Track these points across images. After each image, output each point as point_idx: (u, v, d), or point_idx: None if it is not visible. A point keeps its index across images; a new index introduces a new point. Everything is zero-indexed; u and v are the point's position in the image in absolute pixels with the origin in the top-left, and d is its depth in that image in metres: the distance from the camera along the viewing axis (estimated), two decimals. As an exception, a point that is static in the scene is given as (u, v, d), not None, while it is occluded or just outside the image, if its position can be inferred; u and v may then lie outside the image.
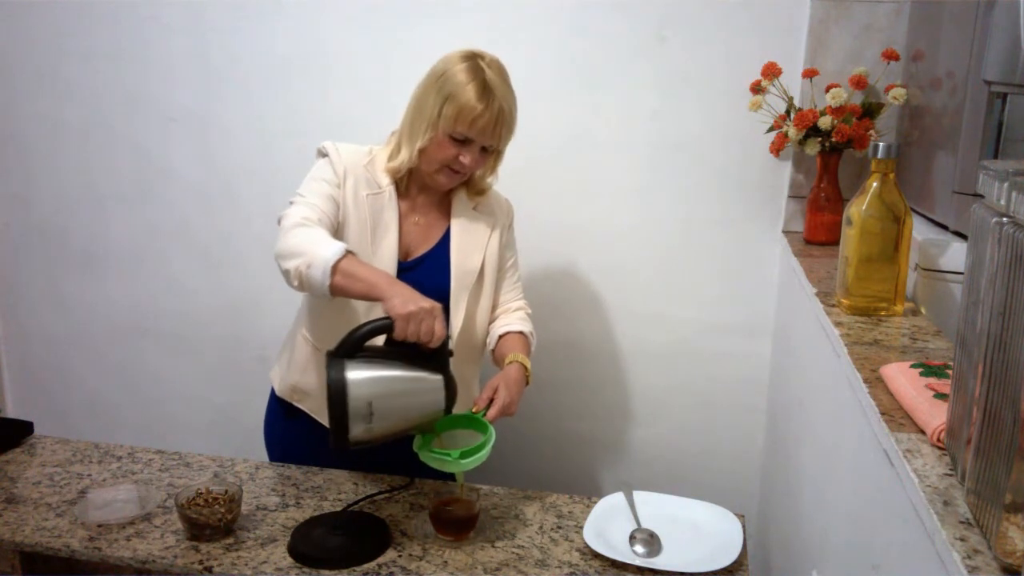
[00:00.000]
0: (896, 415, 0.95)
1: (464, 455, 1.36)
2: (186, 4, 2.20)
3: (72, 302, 2.51)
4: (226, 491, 1.44)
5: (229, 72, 2.22)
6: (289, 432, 1.71)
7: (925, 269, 1.37)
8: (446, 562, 1.34)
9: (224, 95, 2.24)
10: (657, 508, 1.50)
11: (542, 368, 2.23)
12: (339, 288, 1.37)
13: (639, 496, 1.52)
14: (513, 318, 1.68)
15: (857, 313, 1.34)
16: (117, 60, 2.28)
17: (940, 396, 0.93)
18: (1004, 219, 0.68)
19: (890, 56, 1.79)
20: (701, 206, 2.06)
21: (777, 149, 1.90)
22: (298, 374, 1.66)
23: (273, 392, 1.73)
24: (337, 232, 1.52)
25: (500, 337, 1.64)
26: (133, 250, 2.42)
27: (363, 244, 1.53)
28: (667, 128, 2.03)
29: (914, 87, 1.70)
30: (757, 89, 1.85)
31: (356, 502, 1.51)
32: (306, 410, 1.66)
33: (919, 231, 1.40)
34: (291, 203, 1.51)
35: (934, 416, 0.88)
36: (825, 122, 1.78)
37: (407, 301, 1.31)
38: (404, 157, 1.54)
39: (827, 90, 1.81)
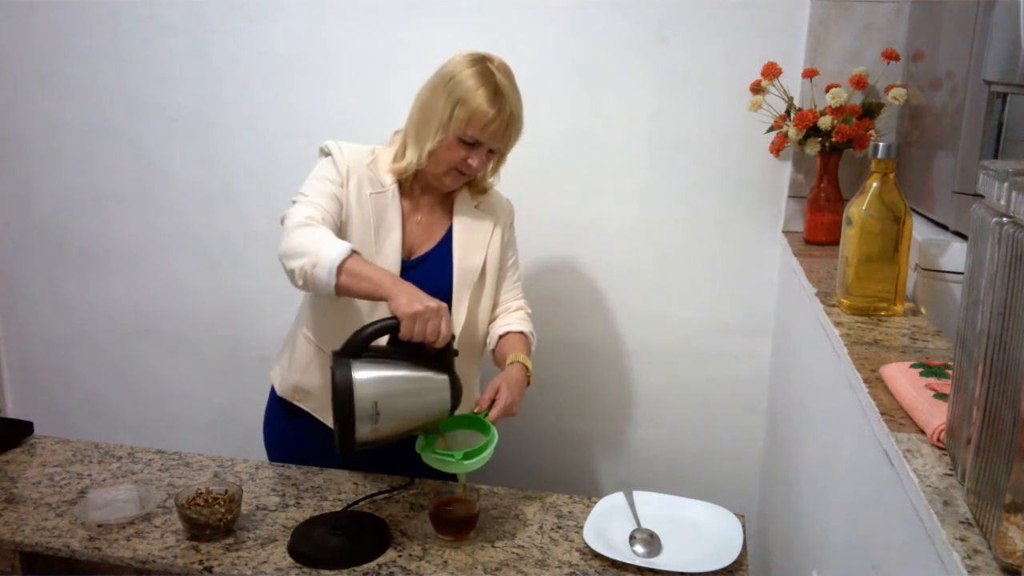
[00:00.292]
0: (896, 415, 0.95)
1: (467, 456, 1.36)
2: (186, 4, 2.20)
3: (72, 302, 2.51)
4: (226, 491, 1.44)
5: (229, 72, 2.22)
6: (289, 432, 1.71)
7: (925, 269, 1.37)
8: (446, 562, 1.34)
9: (224, 95, 2.24)
10: (657, 508, 1.50)
11: (542, 368, 2.23)
12: (344, 288, 1.36)
13: (639, 496, 1.52)
14: (513, 318, 1.68)
15: (857, 313, 1.34)
16: (117, 60, 2.28)
17: (940, 396, 0.93)
18: (1004, 219, 0.68)
19: (890, 56, 1.79)
20: (701, 206, 2.06)
21: (777, 149, 1.90)
22: (299, 374, 1.65)
23: (273, 392, 1.73)
24: (340, 230, 1.52)
25: (500, 337, 1.64)
26: (133, 250, 2.42)
27: (366, 243, 1.54)
28: (667, 128, 2.03)
29: (914, 87, 1.70)
30: (757, 89, 1.85)
31: (356, 502, 1.51)
32: (308, 410, 1.66)
33: (919, 231, 1.40)
34: (294, 202, 1.50)
35: (934, 416, 0.88)
36: (825, 122, 1.78)
37: (413, 300, 1.31)
38: (412, 159, 1.54)
39: (827, 90, 1.81)
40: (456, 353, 1.39)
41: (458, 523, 1.40)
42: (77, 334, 2.53)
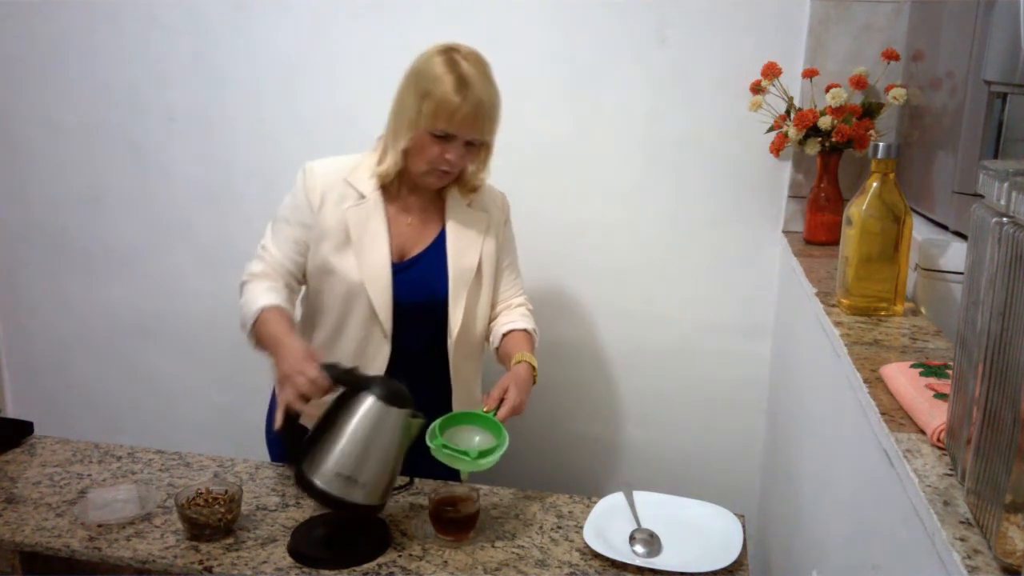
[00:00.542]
0: (896, 415, 0.95)
1: (481, 455, 1.36)
2: (187, 4, 2.20)
3: (72, 302, 2.51)
4: (226, 491, 1.43)
5: (229, 72, 2.22)
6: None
7: (925, 269, 1.37)
8: (446, 562, 1.34)
9: (224, 95, 2.24)
10: (657, 508, 1.50)
11: (543, 368, 2.22)
12: (260, 346, 1.48)
13: (639, 496, 1.52)
14: (515, 315, 1.68)
15: (857, 313, 1.33)
16: (117, 60, 2.28)
17: (940, 396, 0.93)
18: (1004, 219, 0.68)
19: (890, 56, 1.79)
20: (701, 206, 2.06)
21: (777, 149, 1.90)
22: None
23: (274, 392, 1.73)
24: (315, 253, 1.55)
25: (504, 335, 1.64)
26: (133, 250, 2.42)
27: (346, 256, 1.54)
28: (667, 128, 2.03)
29: (914, 87, 1.70)
30: (757, 89, 1.85)
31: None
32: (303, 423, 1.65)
33: (919, 231, 1.40)
34: (256, 254, 1.59)
35: (934, 416, 0.88)
36: (825, 122, 1.78)
37: (281, 365, 1.37)
38: (390, 161, 1.53)
39: (827, 90, 1.81)
40: (355, 371, 1.38)
41: (458, 523, 1.40)
42: (77, 334, 2.53)
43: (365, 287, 1.54)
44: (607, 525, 1.44)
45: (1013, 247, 0.65)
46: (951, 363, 0.94)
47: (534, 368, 1.55)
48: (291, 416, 1.34)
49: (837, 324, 1.29)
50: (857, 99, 1.84)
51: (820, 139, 1.81)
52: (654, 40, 1.99)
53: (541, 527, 1.45)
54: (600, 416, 2.25)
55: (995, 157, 1.27)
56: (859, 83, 1.80)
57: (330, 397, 1.36)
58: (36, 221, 2.48)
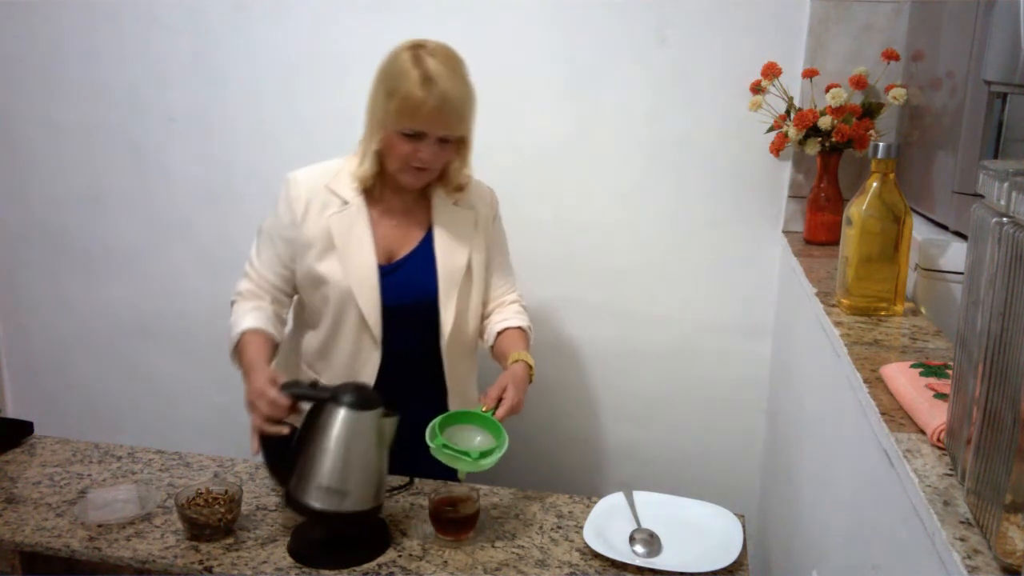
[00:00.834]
0: (896, 415, 0.95)
1: (483, 455, 1.36)
2: (187, 4, 2.20)
3: (72, 302, 2.51)
4: (226, 491, 1.43)
5: (229, 72, 2.22)
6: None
7: (925, 269, 1.37)
8: (446, 562, 1.34)
9: (224, 95, 2.24)
10: (657, 508, 1.50)
11: (543, 368, 2.22)
12: (241, 370, 1.49)
13: (639, 496, 1.52)
14: (509, 312, 1.67)
15: (857, 313, 1.33)
16: (117, 60, 2.28)
17: (940, 396, 0.93)
18: (1004, 219, 0.68)
19: (890, 56, 1.79)
20: (701, 206, 2.06)
21: (777, 149, 1.90)
22: None
23: None
24: (302, 259, 1.56)
25: (498, 333, 1.63)
26: (133, 250, 2.42)
27: (332, 264, 1.54)
28: (667, 128, 2.03)
29: (914, 87, 1.70)
30: (757, 89, 1.85)
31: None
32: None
33: (919, 231, 1.40)
34: (244, 271, 1.61)
35: (934, 416, 0.88)
36: (825, 122, 1.78)
37: (247, 393, 1.39)
38: (366, 163, 1.53)
39: (827, 90, 1.81)
40: (317, 384, 1.39)
41: (458, 523, 1.40)
42: (77, 334, 2.53)
43: (353, 294, 1.53)
44: (607, 525, 1.44)
45: (1013, 247, 0.65)
46: (951, 363, 0.94)
47: (531, 367, 1.55)
48: (267, 440, 1.35)
49: (837, 324, 1.29)
50: (857, 99, 1.84)
51: (820, 139, 1.81)
52: (654, 40, 1.99)
53: (541, 527, 1.45)
54: (600, 416, 2.25)
55: (995, 157, 1.27)
56: (859, 83, 1.80)
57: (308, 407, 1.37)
58: (36, 221, 2.48)
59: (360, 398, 1.32)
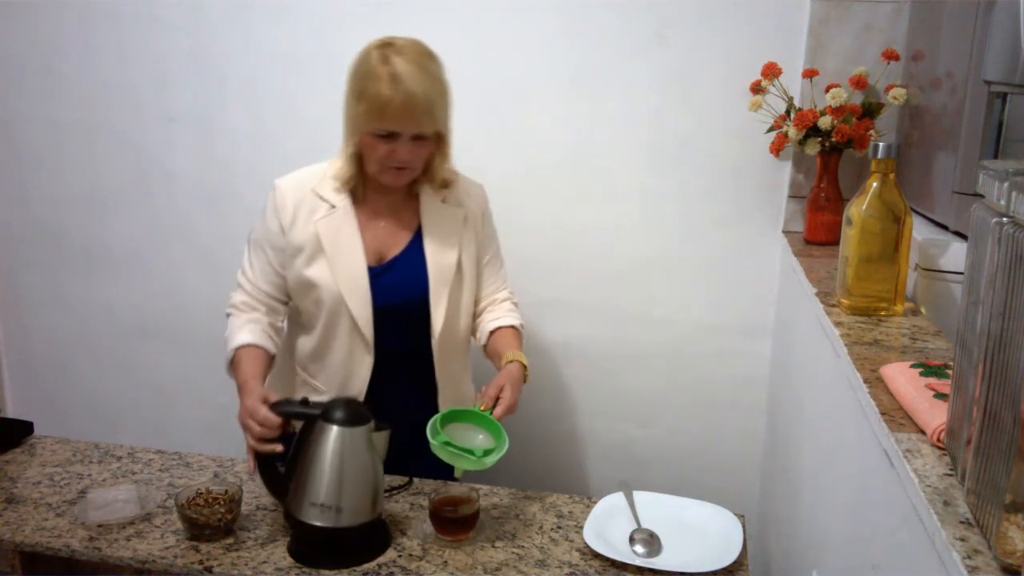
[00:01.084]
0: (896, 415, 0.95)
1: (485, 454, 1.37)
2: (187, 4, 2.20)
3: (73, 302, 2.51)
4: (226, 491, 1.43)
5: (229, 72, 2.22)
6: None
7: (925, 269, 1.37)
8: (446, 562, 1.34)
9: (224, 95, 2.24)
10: (657, 508, 1.50)
11: (543, 368, 2.23)
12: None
13: (639, 496, 1.52)
14: (502, 310, 1.67)
15: (857, 313, 1.33)
16: (117, 59, 2.28)
17: (940, 396, 0.93)
18: (1004, 219, 0.68)
19: (890, 56, 1.79)
20: (701, 206, 2.06)
21: (777, 149, 1.90)
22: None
23: None
24: (293, 265, 1.56)
25: (491, 332, 1.63)
26: (134, 250, 2.42)
27: (322, 268, 1.53)
28: (667, 128, 2.03)
29: (914, 87, 1.70)
30: (757, 89, 1.86)
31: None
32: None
33: (919, 231, 1.40)
34: (238, 282, 1.61)
35: (934, 416, 0.88)
36: (825, 122, 1.78)
37: (240, 413, 1.40)
38: (344, 166, 1.53)
39: (827, 90, 1.81)
40: (307, 401, 1.39)
41: (458, 523, 1.40)
42: (77, 334, 2.53)
43: (344, 297, 1.53)
44: (607, 525, 1.44)
45: (1013, 247, 0.65)
46: (951, 363, 0.94)
47: (525, 367, 1.55)
48: (262, 457, 1.36)
49: (837, 324, 1.29)
50: (857, 99, 1.84)
51: (820, 139, 1.81)
52: (654, 40, 1.99)
53: (541, 527, 1.45)
54: (600, 416, 2.25)
55: (995, 157, 1.27)
56: (859, 83, 1.80)
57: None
58: (36, 221, 2.48)
59: (350, 414, 1.33)
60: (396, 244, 1.59)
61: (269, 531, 1.42)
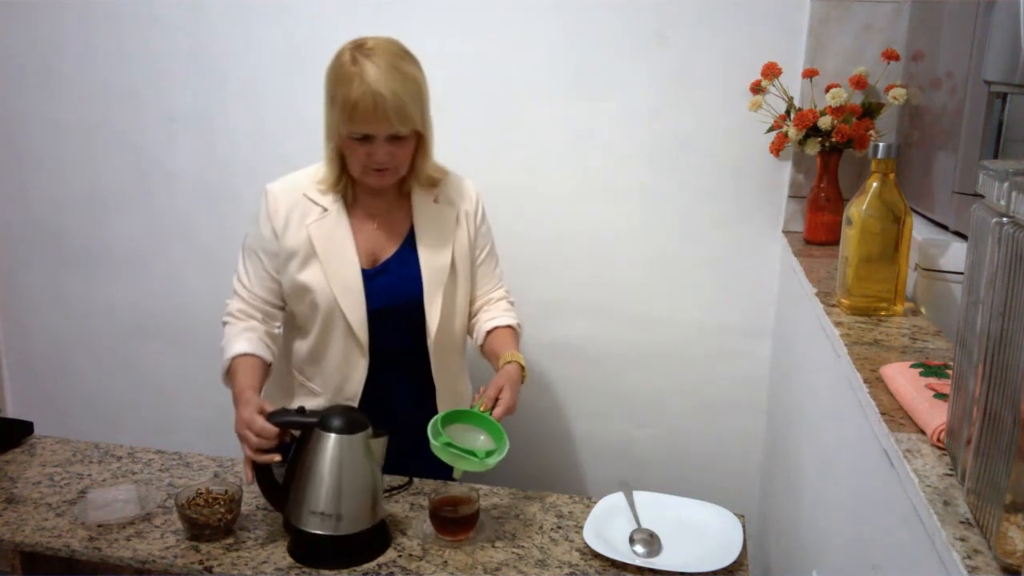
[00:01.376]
0: (896, 415, 0.95)
1: (487, 455, 1.37)
2: (187, 3, 2.20)
3: (73, 302, 2.51)
4: (226, 491, 1.44)
5: (229, 72, 2.22)
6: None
7: (925, 269, 1.37)
8: (446, 562, 1.34)
9: (224, 95, 2.24)
10: (657, 508, 1.50)
11: (543, 368, 2.23)
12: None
13: (639, 496, 1.52)
14: (498, 310, 1.66)
15: (857, 313, 1.33)
16: (117, 60, 2.28)
17: (940, 396, 0.93)
18: (1004, 219, 0.68)
19: (890, 56, 1.79)
20: (701, 206, 2.06)
21: (777, 149, 1.90)
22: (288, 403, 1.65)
23: None
24: (287, 269, 1.55)
25: (487, 332, 1.62)
26: (134, 250, 2.42)
27: (315, 271, 1.53)
28: (667, 128, 2.03)
29: (914, 87, 1.70)
30: (757, 89, 1.86)
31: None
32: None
33: (919, 231, 1.40)
34: (233, 290, 1.60)
35: (934, 416, 0.88)
36: (825, 122, 1.78)
37: (236, 424, 1.39)
38: (327, 170, 1.53)
39: (827, 90, 1.81)
40: (303, 410, 1.39)
41: (458, 523, 1.40)
42: (77, 334, 2.53)
43: (338, 301, 1.53)
44: (607, 525, 1.44)
45: (1013, 247, 0.65)
46: (951, 363, 0.94)
47: (523, 367, 1.55)
48: (260, 467, 1.36)
49: (837, 324, 1.29)
50: (857, 99, 1.84)
51: (820, 139, 1.81)
52: (654, 40, 1.99)
53: (541, 527, 1.45)
54: (600, 416, 2.25)
55: (995, 157, 1.27)
56: (859, 83, 1.80)
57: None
58: (36, 221, 2.48)
59: (347, 422, 1.33)
60: (389, 246, 1.58)
61: (269, 531, 1.42)
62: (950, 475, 0.80)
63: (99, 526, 1.43)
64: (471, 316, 1.68)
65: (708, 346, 2.14)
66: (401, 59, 1.44)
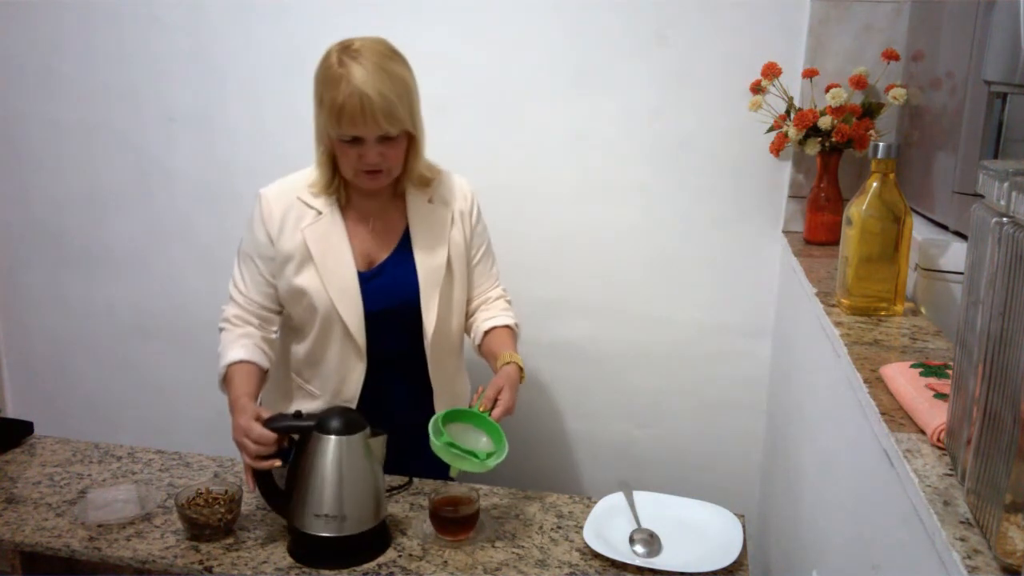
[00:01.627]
0: (896, 415, 0.95)
1: (488, 456, 1.37)
2: (187, 4, 2.20)
3: (73, 302, 2.51)
4: (226, 491, 1.44)
5: (229, 72, 2.22)
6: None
7: (925, 269, 1.37)
8: (446, 562, 1.34)
9: (224, 95, 2.24)
10: (657, 508, 1.50)
11: (543, 368, 2.23)
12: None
13: (639, 496, 1.52)
14: (496, 309, 1.66)
15: (857, 313, 1.34)
16: (117, 60, 2.28)
17: (940, 396, 0.93)
18: (1004, 219, 0.68)
19: (890, 56, 1.79)
20: (701, 206, 2.06)
21: (777, 149, 1.90)
22: (287, 406, 1.65)
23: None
24: (283, 273, 1.54)
25: (485, 332, 1.62)
26: (133, 250, 2.42)
27: (311, 275, 1.52)
28: (667, 128, 2.03)
29: (914, 87, 1.70)
30: (757, 89, 1.86)
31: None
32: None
33: (919, 231, 1.40)
34: (229, 295, 1.59)
35: (934, 416, 0.88)
36: (825, 122, 1.78)
37: (233, 433, 1.38)
38: (318, 173, 1.53)
39: (827, 90, 1.81)
40: (300, 414, 1.38)
41: (458, 523, 1.40)
42: (77, 334, 2.53)
43: (335, 304, 1.52)
44: (607, 525, 1.44)
45: (1013, 247, 0.65)
46: (951, 363, 0.94)
47: (522, 370, 1.54)
48: (261, 474, 1.36)
49: (837, 324, 1.29)
50: (857, 99, 1.84)
51: (820, 139, 1.81)
52: (654, 40, 1.99)
53: (541, 527, 1.45)
54: (600, 416, 2.25)
55: (995, 157, 1.27)
56: (859, 83, 1.80)
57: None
58: (36, 221, 2.48)
59: (345, 423, 1.33)
60: (385, 247, 1.58)
61: (269, 531, 1.42)
62: (950, 475, 0.80)
63: (99, 526, 1.43)
64: (468, 315, 1.68)
65: (708, 346, 2.14)
66: (388, 59, 1.42)
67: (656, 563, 1.33)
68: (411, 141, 1.50)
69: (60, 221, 2.46)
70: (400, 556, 1.36)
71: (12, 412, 2.61)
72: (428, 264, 1.57)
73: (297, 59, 2.16)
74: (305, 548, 1.35)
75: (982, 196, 0.75)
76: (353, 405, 1.58)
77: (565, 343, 2.20)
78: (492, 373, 1.53)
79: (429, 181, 1.58)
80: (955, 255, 1.33)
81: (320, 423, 1.33)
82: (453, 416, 1.44)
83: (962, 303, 0.78)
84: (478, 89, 2.09)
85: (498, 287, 1.70)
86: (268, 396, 1.68)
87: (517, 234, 2.07)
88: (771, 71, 1.84)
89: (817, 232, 1.89)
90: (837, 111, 1.78)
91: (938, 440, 0.86)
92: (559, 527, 1.46)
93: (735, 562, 1.34)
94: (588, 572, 1.33)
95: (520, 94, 2.08)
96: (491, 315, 1.64)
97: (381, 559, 1.35)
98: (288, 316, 1.62)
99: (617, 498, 1.52)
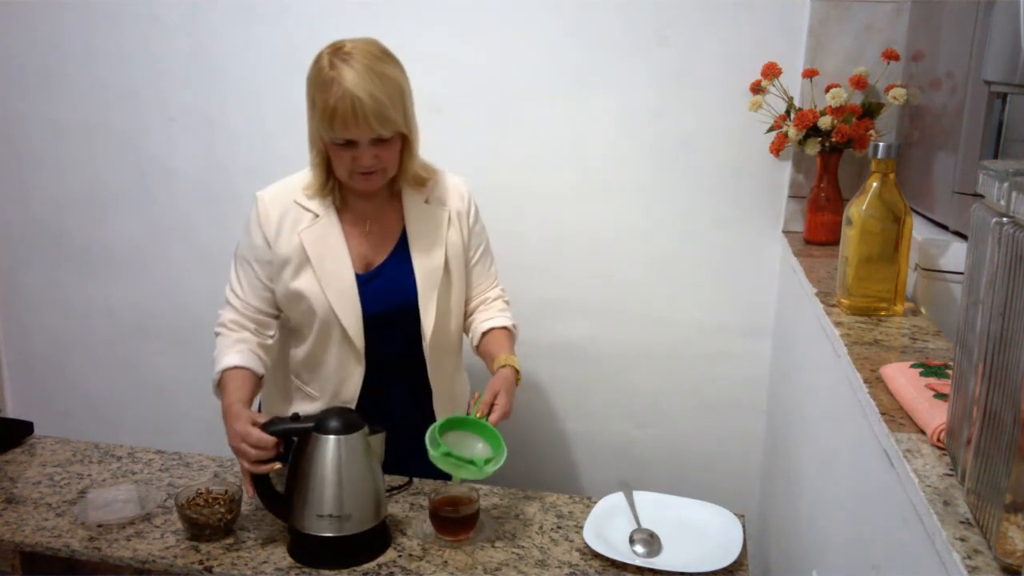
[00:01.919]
0: (896, 415, 0.95)
1: (486, 463, 1.37)
2: (187, 4, 2.20)
3: (73, 302, 2.51)
4: (226, 491, 1.43)
5: (229, 72, 2.22)
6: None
7: (925, 269, 1.37)
8: (446, 562, 1.34)
9: (224, 94, 2.24)
10: (657, 508, 1.49)
11: (543, 368, 2.23)
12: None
13: (639, 496, 1.52)
14: (494, 310, 1.66)
15: (857, 313, 1.34)
16: (117, 60, 2.28)
17: (940, 396, 0.93)
18: (1004, 219, 0.68)
19: (890, 56, 1.79)
20: (701, 206, 2.06)
21: (777, 149, 1.90)
22: (286, 407, 1.65)
23: None
24: (280, 277, 1.53)
25: (483, 333, 1.62)
26: (133, 250, 2.42)
27: (308, 278, 1.52)
28: (667, 128, 2.03)
29: (914, 87, 1.70)
30: (757, 89, 1.86)
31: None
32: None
33: (919, 231, 1.40)
34: (226, 299, 1.57)
35: (934, 416, 0.88)
36: (825, 122, 1.78)
37: (229, 439, 1.37)
38: (312, 176, 1.52)
39: (827, 90, 1.81)
40: (298, 416, 1.38)
41: (458, 523, 1.40)
42: (77, 334, 2.53)
43: (333, 307, 1.52)
44: (607, 525, 1.44)
45: (1013, 247, 0.65)
46: (951, 363, 0.94)
47: (519, 372, 1.54)
48: (260, 479, 1.35)
49: (837, 324, 1.29)
50: (857, 99, 1.84)
51: (820, 139, 1.81)
52: (654, 40, 1.99)
53: (541, 527, 1.45)
54: (600, 416, 2.25)
55: (995, 157, 1.27)
56: (859, 83, 1.80)
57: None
58: (36, 221, 2.48)
59: (343, 423, 1.33)
60: (382, 249, 1.57)
61: (269, 531, 1.42)
62: (950, 475, 0.80)
63: (99, 526, 1.43)
64: (467, 316, 1.67)
65: (708, 346, 2.14)
66: (379, 60, 1.41)
67: (656, 563, 1.33)
68: (405, 142, 1.50)
69: (60, 221, 2.46)
70: (400, 556, 1.36)
71: (12, 412, 2.61)
72: (426, 266, 1.56)
73: (297, 59, 2.15)
74: (305, 548, 1.35)
75: (982, 196, 0.75)
76: (352, 406, 1.58)
77: (565, 343, 2.20)
78: (490, 374, 1.53)
79: (425, 181, 1.58)
80: (955, 255, 1.33)
81: (319, 423, 1.33)
82: (450, 424, 1.43)
83: (962, 303, 0.78)
84: (478, 89, 2.09)
85: (497, 287, 1.70)
86: (267, 398, 1.68)
87: (517, 234, 2.07)
88: (771, 71, 1.84)
89: (817, 232, 1.89)
90: (837, 111, 1.78)
91: (938, 440, 0.86)
92: (559, 527, 1.46)
93: (735, 562, 1.34)
94: (588, 572, 1.33)
95: (520, 94, 2.08)
96: (489, 316, 1.64)
97: (381, 559, 1.35)
98: (286, 319, 1.61)
99: (617, 498, 1.52)
